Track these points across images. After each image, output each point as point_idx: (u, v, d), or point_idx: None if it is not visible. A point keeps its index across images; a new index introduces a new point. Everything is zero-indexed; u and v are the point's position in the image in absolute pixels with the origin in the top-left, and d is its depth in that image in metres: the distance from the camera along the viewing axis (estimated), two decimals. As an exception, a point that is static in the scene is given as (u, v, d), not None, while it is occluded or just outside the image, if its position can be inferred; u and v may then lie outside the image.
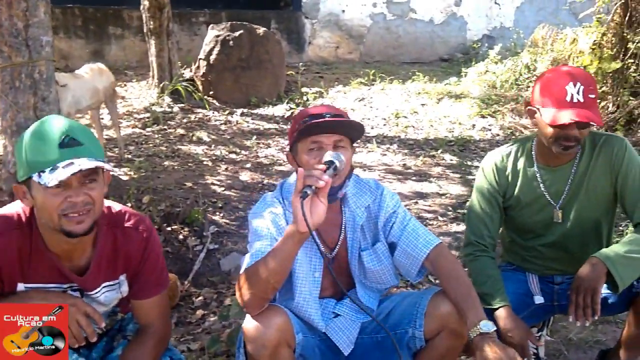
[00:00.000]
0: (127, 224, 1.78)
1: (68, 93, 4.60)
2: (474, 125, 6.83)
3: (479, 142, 6.38)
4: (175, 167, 5.26)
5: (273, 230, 1.93)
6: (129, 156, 5.43)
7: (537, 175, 2.26)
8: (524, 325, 1.98)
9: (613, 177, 2.19)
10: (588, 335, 2.77)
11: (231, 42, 7.33)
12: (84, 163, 1.53)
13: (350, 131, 1.96)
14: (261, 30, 7.57)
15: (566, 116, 2.04)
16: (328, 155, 1.82)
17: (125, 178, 4.79)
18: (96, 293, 1.78)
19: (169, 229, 3.94)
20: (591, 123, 2.06)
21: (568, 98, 2.05)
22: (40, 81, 3.57)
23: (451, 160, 5.86)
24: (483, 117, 7.01)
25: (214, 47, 7.33)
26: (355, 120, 1.96)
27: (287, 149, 2.05)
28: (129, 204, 4.05)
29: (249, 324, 1.81)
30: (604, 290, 2.14)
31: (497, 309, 2.04)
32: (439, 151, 6.04)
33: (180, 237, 3.91)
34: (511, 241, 2.42)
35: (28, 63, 3.49)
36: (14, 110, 3.54)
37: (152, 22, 7.00)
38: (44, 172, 1.53)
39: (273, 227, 1.94)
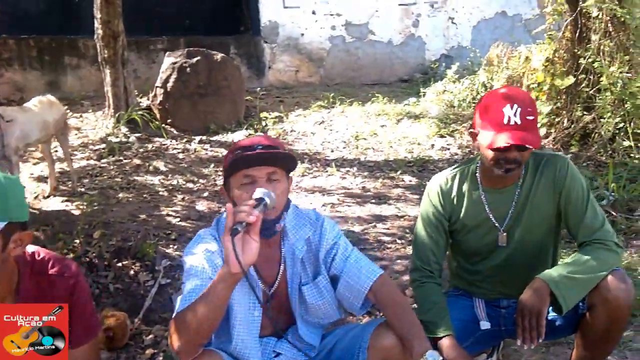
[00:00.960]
0: (51, 271, 1.70)
1: (16, 127, 4.48)
2: (432, 145, 6.86)
3: (437, 162, 6.39)
4: (130, 199, 5.14)
5: (208, 270, 1.84)
6: (83, 189, 5.30)
7: (482, 197, 2.24)
8: (466, 355, 1.94)
9: (556, 196, 2.18)
10: (540, 359, 2.74)
11: (188, 69, 7.26)
12: None
13: (283, 162, 1.91)
14: (219, 56, 7.53)
15: (502, 139, 2.03)
16: (258, 192, 1.76)
17: (77, 213, 4.67)
18: None
19: (119, 264, 3.83)
20: (528, 146, 2.05)
21: (505, 120, 2.05)
22: (-21, 117, 3.47)
23: (410, 181, 5.85)
24: (442, 136, 7.04)
25: (170, 74, 7.26)
26: (287, 152, 1.91)
27: (221, 184, 1.98)
28: (78, 240, 3.94)
29: None
30: (552, 313, 2.12)
31: (440, 337, 2.00)
32: (398, 172, 6.03)
33: (132, 272, 3.79)
34: (457, 266, 2.39)
35: (-35, 99, 3.39)
36: (-47, 149, 3.43)
37: (106, 51, 6.90)
38: None
39: (208, 266, 1.85)
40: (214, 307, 1.66)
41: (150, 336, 3.25)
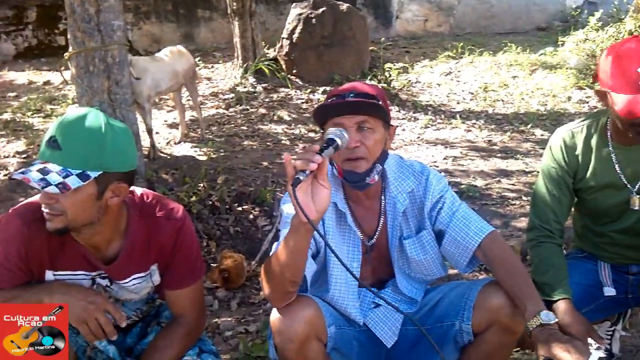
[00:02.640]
0: (158, 214, 1.74)
1: (148, 76, 4.70)
2: (569, 98, 6.41)
3: (574, 116, 5.96)
4: (254, 147, 5.28)
5: None
6: (211, 136, 5.50)
7: (612, 155, 2.02)
8: (584, 321, 1.78)
9: None
10: (674, 331, 2.50)
11: (314, 20, 7.24)
12: (34, 174, 1.51)
13: (375, 111, 1.80)
14: (344, 6, 7.43)
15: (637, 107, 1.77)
16: (329, 133, 1.65)
17: (204, 158, 4.87)
18: (126, 282, 1.76)
19: (239, 209, 3.96)
20: None
21: None
22: (113, 65, 3.65)
23: (542, 135, 5.51)
24: (580, 88, 6.57)
25: (296, 25, 7.28)
26: (374, 102, 1.78)
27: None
28: (202, 184, 4.10)
29: (275, 317, 1.73)
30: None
31: (555, 301, 1.85)
32: (529, 126, 5.71)
33: (251, 217, 3.91)
34: (583, 226, 2.19)
35: (101, 48, 3.58)
36: (89, 94, 3.65)
37: (235, 3, 7.03)
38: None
39: None
40: (293, 256, 1.61)
41: (266, 279, 3.34)
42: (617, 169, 2.01)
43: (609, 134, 2.02)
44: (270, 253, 1.75)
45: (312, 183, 1.54)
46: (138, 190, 1.78)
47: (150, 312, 1.96)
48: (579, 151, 2.06)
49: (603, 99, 1.93)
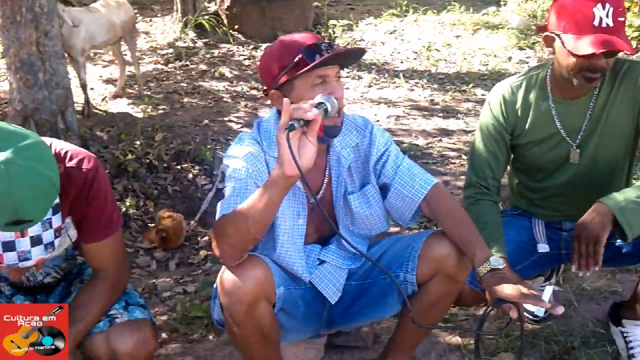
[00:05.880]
0: (68, 164, 1.62)
1: (81, 28, 4.46)
2: (510, 58, 6.47)
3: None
4: (194, 104, 5.15)
5: (250, 173, 1.76)
6: (148, 93, 5.32)
7: (552, 109, 2.03)
8: (518, 278, 1.80)
9: (635, 109, 1.95)
10: (603, 285, 2.57)
11: (257, -27, 7.04)
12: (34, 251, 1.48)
13: (349, 61, 1.85)
14: (288, -41, 7.24)
15: (595, 44, 1.77)
16: (319, 97, 1.60)
17: (141, 115, 4.71)
18: None
19: (178, 167, 3.86)
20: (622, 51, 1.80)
21: (596, 22, 1.79)
22: (41, 15, 3.46)
23: (482, 95, 5.55)
24: (521, 48, 6.63)
25: (238, -22, 7.06)
26: (359, 47, 1.87)
27: (272, 87, 1.76)
28: (138, 142, 3.97)
29: (225, 277, 1.67)
30: (619, 240, 1.95)
31: (491, 258, 1.87)
32: (470, 85, 5.75)
33: (190, 176, 3.83)
34: (519, 183, 2.22)
35: (27, -4, 3.37)
36: (17, 46, 3.46)
37: (174, -47, 6.76)
38: None
39: (252, 169, 1.77)
40: (265, 211, 1.57)
41: (205, 238, 3.29)
42: (557, 123, 2.03)
43: (549, 87, 2.03)
44: (219, 211, 1.70)
45: (299, 137, 1.50)
46: (47, 141, 1.64)
47: (72, 271, 1.88)
48: (518, 106, 2.06)
49: (550, 45, 1.93)
